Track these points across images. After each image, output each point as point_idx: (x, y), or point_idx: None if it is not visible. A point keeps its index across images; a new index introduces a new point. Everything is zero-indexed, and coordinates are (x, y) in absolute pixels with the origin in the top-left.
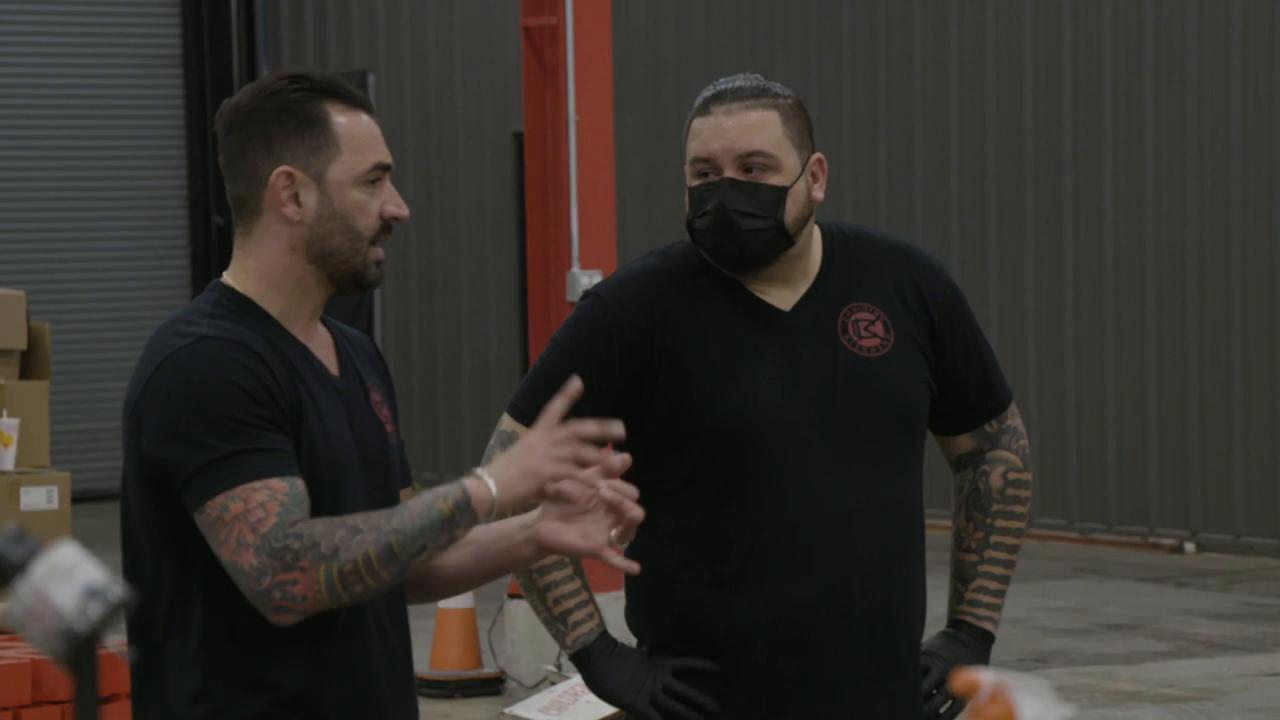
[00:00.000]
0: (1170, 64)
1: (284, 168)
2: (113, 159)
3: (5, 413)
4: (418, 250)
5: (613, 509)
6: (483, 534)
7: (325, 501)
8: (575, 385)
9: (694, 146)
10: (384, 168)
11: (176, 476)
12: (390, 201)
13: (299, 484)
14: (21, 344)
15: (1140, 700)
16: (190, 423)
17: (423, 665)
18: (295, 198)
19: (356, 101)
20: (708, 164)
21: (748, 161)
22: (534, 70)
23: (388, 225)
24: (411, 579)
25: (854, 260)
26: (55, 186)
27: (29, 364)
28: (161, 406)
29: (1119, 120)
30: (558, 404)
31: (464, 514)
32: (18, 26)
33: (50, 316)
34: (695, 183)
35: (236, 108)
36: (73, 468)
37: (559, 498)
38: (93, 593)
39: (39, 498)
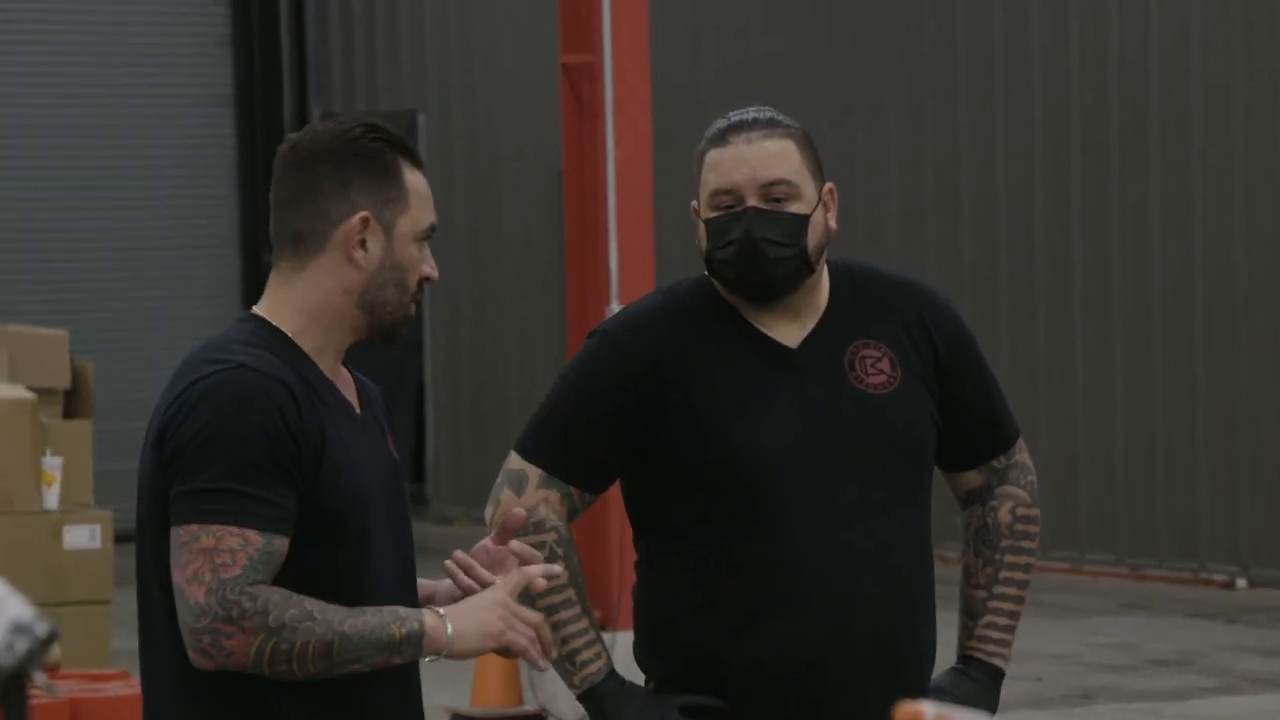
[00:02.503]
0: (1216, 91)
1: (365, 213)
2: (164, 198)
3: (49, 452)
4: (466, 286)
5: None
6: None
7: (352, 533)
8: (550, 572)
9: (713, 178)
10: (434, 229)
11: (171, 490)
12: (428, 263)
13: (276, 543)
14: (65, 383)
15: None
16: (203, 446)
17: (463, 702)
18: (364, 243)
19: (419, 161)
20: (730, 195)
21: (771, 191)
22: (572, 107)
23: (421, 286)
24: None
25: (861, 296)
26: (104, 225)
27: (72, 403)
28: (184, 426)
29: (1165, 149)
30: (535, 571)
31: (411, 647)
32: (71, 64)
33: (94, 356)
34: (715, 214)
35: (313, 145)
36: (115, 507)
37: (508, 654)
38: (19, 628)
39: (82, 536)
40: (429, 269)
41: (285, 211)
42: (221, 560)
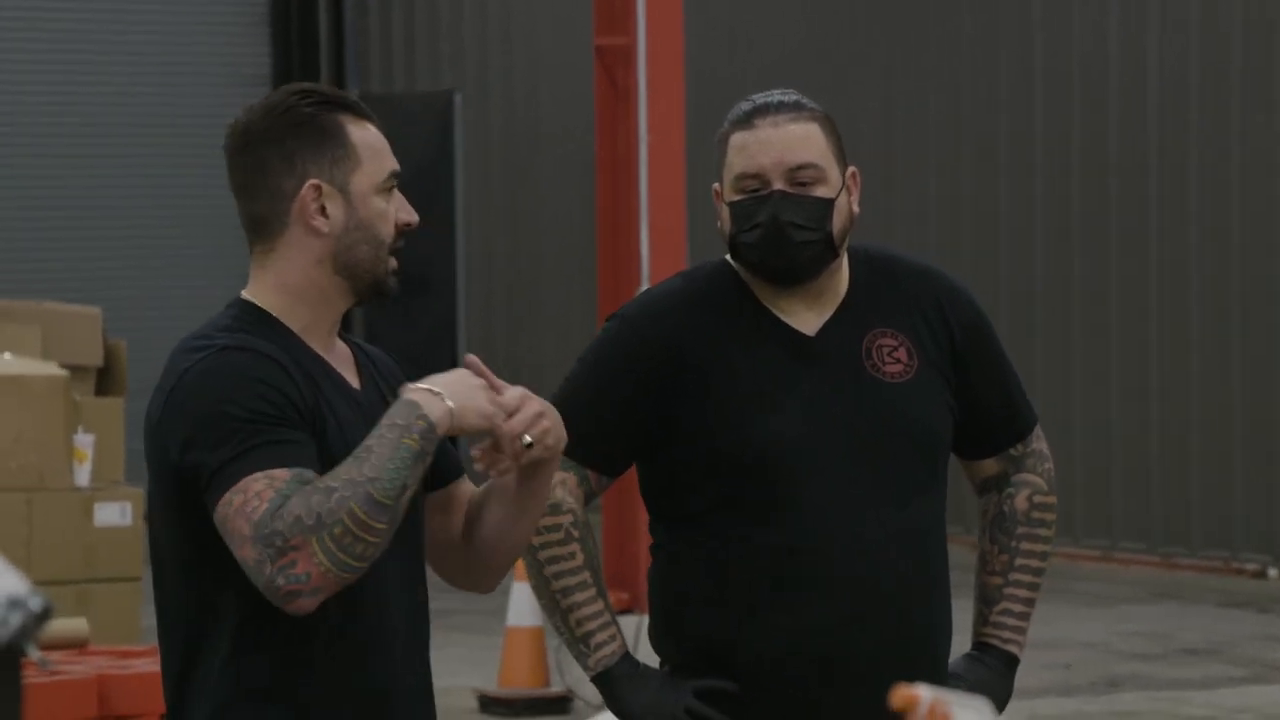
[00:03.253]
0: (1257, 97)
1: (313, 180)
2: (197, 177)
3: (81, 429)
4: (501, 267)
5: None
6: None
7: None
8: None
9: (739, 161)
10: (397, 175)
11: (200, 484)
12: (403, 209)
13: (305, 474)
14: (98, 361)
15: None
16: (211, 428)
17: (491, 684)
18: (323, 210)
19: (364, 113)
20: (756, 178)
21: (798, 174)
22: (606, 90)
23: (401, 233)
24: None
25: (879, 283)
26: (137, 204)
27: (105, 381)
28: (184, 418)
29: (1203, 150)
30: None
31: (431, 441)
32: (104, 43)
33: (127, 333)
34: (739, 197)
35: (248, 128)
36: (146, 485)
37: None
38: (13, 602)
39: (113, 514)
40: (405, 214)
41: (242, 198)
42: (251, 508)
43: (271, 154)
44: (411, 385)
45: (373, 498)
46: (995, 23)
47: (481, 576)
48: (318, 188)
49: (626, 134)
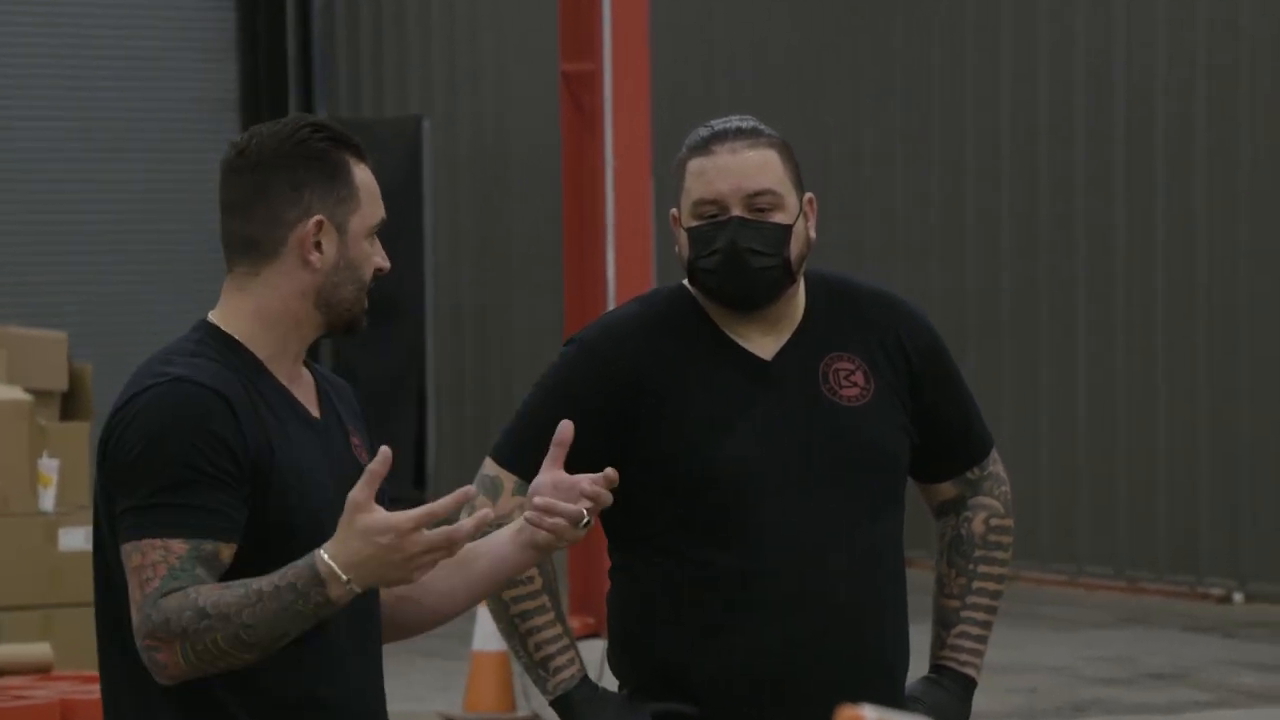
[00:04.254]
0: (1222, 106)
1: (319, 216)
2: (164, 201)
3: (45, 454)
4: (470, 292)
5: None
6: (467, 554)
7: (303, 546)
8: (471, 523)
9: (698, 187)
10: (385, 222)
11: (114, 511)
12: (379, 254)
13: (206, 547)
14: (63, 385)
15: None
16: (135, 466)
17: (457, 708)
18: (319, 246)
19: (364, 155)
20: (714, 204)
21: (755, 201)
22: (572, 115)
23: (374, 277)
24: (386, 623)
25: (836, 308)
26: (104, 228)
27: (70, 405)
28: (119, 443)
29: (1169, 167)
30: (423, 512)
31: (325, 609)
32: (72, 66)
33: (93, 358)
34: (697, 223)
35: (258, 150)
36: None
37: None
38: None
39: (77, 539)
40: (381, 260)
41: (236, 217)
42: (145, 576)
43: (279, 180)
44: (324, 557)
45: (240, 639)
46: (962, 46)
47: (397, 633)
48: (321, 223)
49: (593, 158)
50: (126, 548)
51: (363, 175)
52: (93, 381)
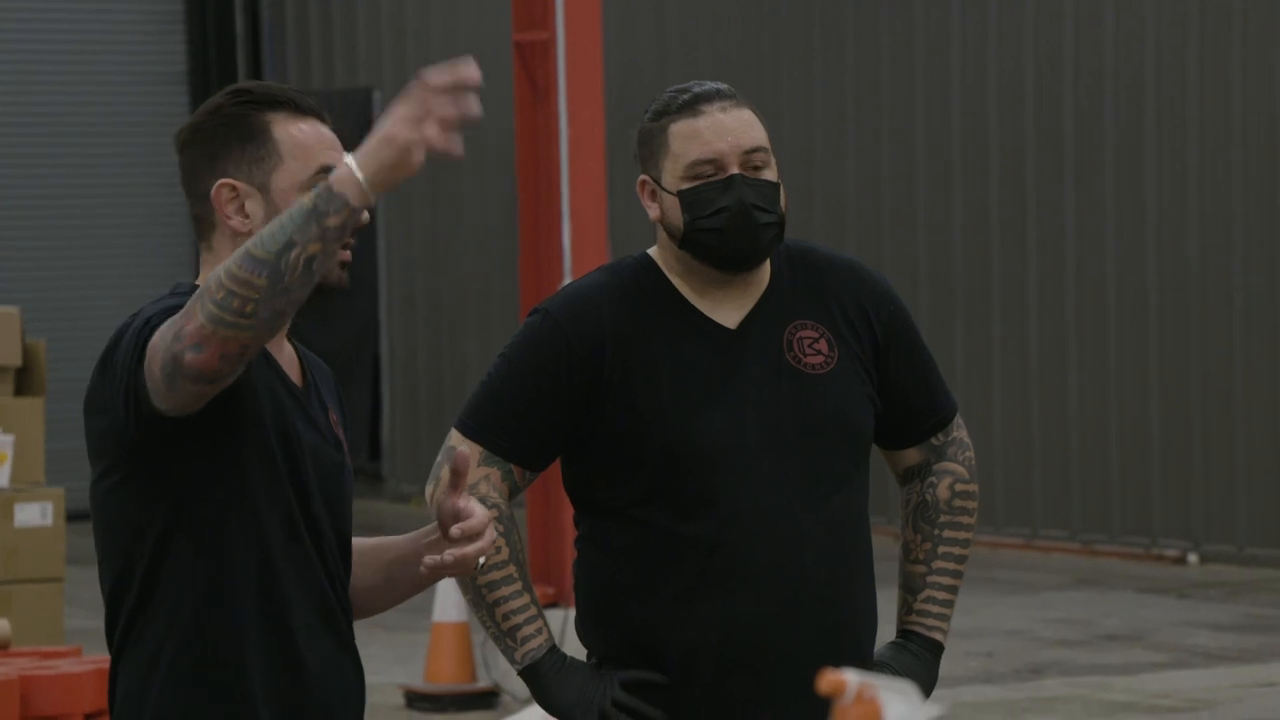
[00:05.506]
0: (1171, 86)
1: (224, 180)
2: (116, 176)
3: (0, 430)
4: (423, 264)
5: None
6: (389, 554)
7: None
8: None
9: (692, 149)
10: (328, 169)
11: (128, 386)
12: None
13: None
14: (16, 361)
15: (1133, 711)
16: (139, 331)
17: (417, 679)
18: (242, 209)
19: (305, 110)
20: (711, 164)
21: (752, 158)
22: (525, 86)
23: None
24: None
25: (799, 276)
26: (56, 204)
27: (24, 381)
28: (120, 347)
29: (1120, 135)
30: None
31: (327, 199)
32: (21, 43)
33: (47, 333)
34: (693, 184)
35: (186, 129)
36: (67, 485)
37: (432, 147)
38: None
39: (33, 514)
40: None
41: (187, 198)
42: (166, 324)
43: (199, 154)
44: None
45: (249, 253)
46: (911, 23)
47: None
48: (231, 186)
49: (547, 129)
50: (151, 342)
51: (289, 130)
52: (46, 357)
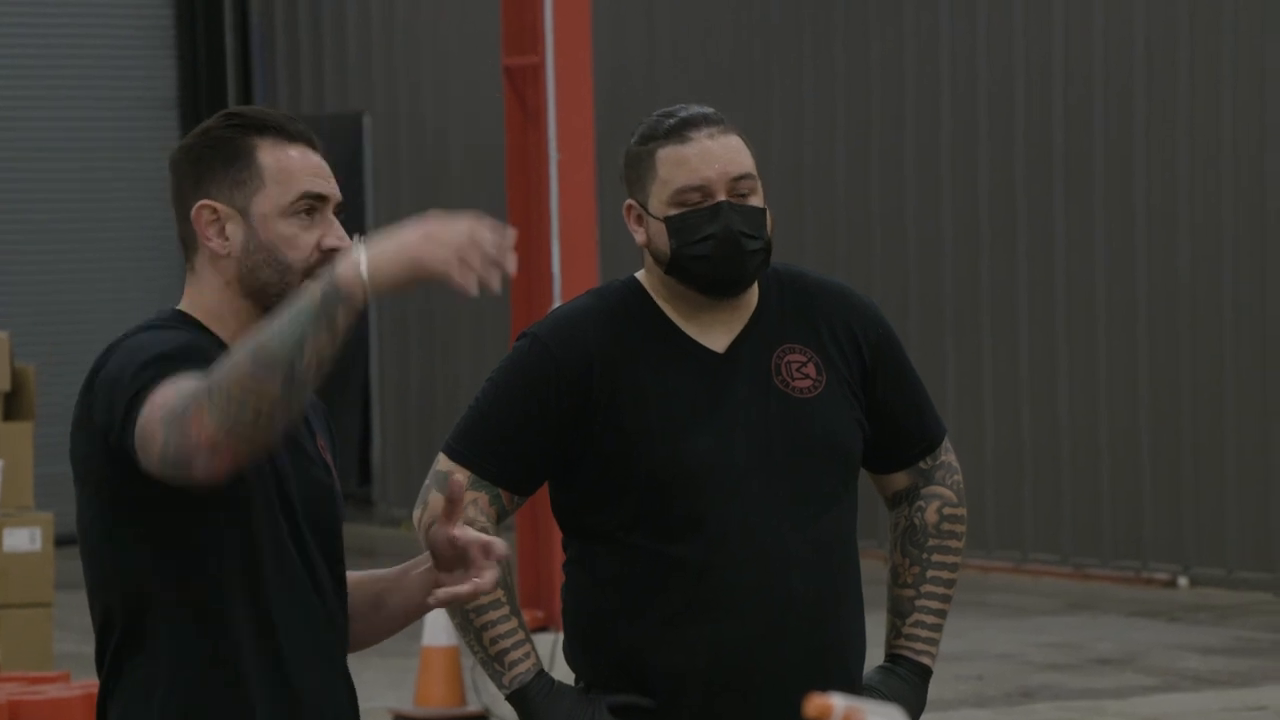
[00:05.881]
0: (1161, 92)
1: (205, 201)
2: (107, 201)
3: None
4: (414, 292)
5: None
6: (379, 585)
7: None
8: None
9: (679, 175)
10: (314, 197)
11: (113, 432)
12: (330, 234)
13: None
14: (5, 385)
15: None
16: (129, 371)
17: (406, 703)
18: (222, 231)
19: (294, 135)
20: (699, 191)
21: (738, 185)
22: (515, 110)
23: (327, 257)
24: None
25: (788, 300)
26: (46, 228)
27: (13, 406)
28: (107, 377)
29: (1109, 149)
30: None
31: (334, 297)
32: (12, 65)
33: (36, 358)
34: (679, 210)
35: (178, 148)
36: (56, 510)
37: (433, 278)
38: None
39: (22, 539)
40: (333, 240)
41: (175, 218)
42: (164, 399)
43: (186, 175)
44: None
45: (260, 356)
46: (901, 34)
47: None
48: (212, 209)
49: (537, 154)
50: (143, 412)
51: (273, 156)
52: (36, 382)
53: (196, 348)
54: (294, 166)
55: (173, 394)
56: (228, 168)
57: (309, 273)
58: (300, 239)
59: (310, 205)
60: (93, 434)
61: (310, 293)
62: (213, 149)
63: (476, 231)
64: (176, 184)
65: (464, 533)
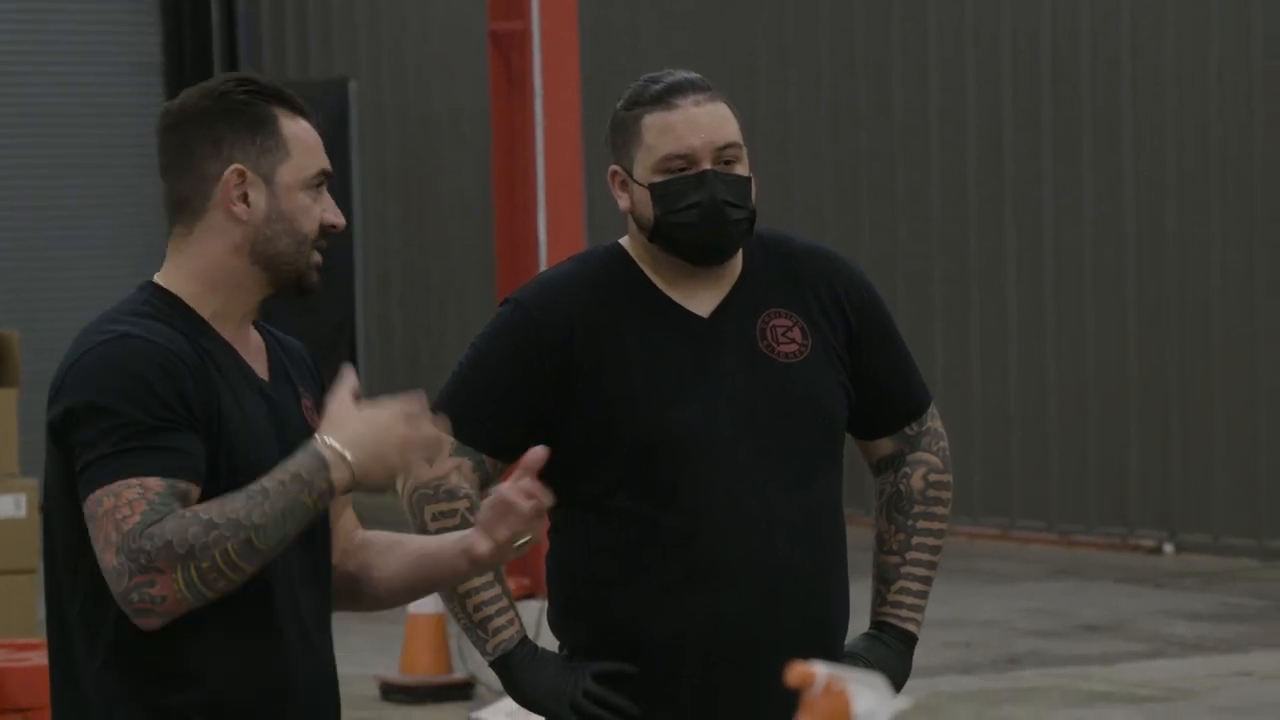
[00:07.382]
0: (1148, 55)
1: (237, 166)
2: (91, 167)
3: None
4: (399, 253)
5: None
6: (415, 548)
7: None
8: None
9: (665, 143)
10: (327, 174)
11: (75, 468)
12: (329, 210)
13: (180, 486)
14: None
15: (1111, 700)
16: (95, 418)
17: (393, 670)
18: (245, 197)
19: (300, 109)
20: (684, 159)
21: (724, 154)
22: (501, 75)
23: (325, 232)
24: (343, 590)
25: (773, 265)
26: (30, 194)
27: None
28: (74, 401)
29: (1097, 112)
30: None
31: (327, 502)
32: None
33: (19, 324)
34: (664, 177)
35: (181, 108)
36: (40, 477)
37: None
38: None
39: (7, 506)
40: (331, 216)
41: (168, 179)
42: (122, 515)
43: (199, 136)
44: (326, 440)
45: (251, 544)
46: (889, 8)
47: (338, 605)
48: (241, 173)
49: (522, 119)
50: (96, 494)
51: (293, 127)
52: (20, 348)
53: (162, 388)
54: (311, 140)
55: (137, 514)
56: (254, 134)
57: (314, 244)
58: (312, 211)
59: (322, 181)
60: (53, 431)
61: (307, 496)
62: (234, 113)
63: (412, 424)
64: (182, 145)
65: (500, 491)
